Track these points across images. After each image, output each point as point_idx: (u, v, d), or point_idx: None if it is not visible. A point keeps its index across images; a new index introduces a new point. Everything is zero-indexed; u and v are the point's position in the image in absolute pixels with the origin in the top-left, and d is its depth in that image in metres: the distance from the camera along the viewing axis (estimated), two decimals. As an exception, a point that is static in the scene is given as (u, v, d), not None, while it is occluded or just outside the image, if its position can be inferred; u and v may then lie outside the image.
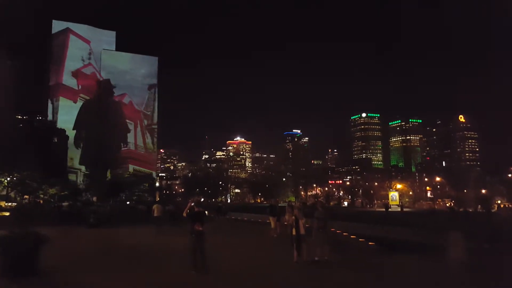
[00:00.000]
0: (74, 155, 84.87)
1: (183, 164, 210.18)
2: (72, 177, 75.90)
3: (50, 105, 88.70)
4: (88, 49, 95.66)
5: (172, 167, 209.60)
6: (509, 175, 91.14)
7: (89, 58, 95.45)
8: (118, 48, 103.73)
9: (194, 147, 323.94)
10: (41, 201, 44.10)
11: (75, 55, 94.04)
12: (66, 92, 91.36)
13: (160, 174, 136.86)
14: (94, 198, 48.24)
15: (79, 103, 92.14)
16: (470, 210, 56.84)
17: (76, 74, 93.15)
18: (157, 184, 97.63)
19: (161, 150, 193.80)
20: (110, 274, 10.23)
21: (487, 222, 13.35)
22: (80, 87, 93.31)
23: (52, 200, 47.60)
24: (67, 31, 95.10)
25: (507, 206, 73.86)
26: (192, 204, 11.48)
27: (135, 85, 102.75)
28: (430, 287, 9.34)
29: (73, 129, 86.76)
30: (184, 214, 11.14)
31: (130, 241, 17.66)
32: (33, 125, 53.17)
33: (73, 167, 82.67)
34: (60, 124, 78.93)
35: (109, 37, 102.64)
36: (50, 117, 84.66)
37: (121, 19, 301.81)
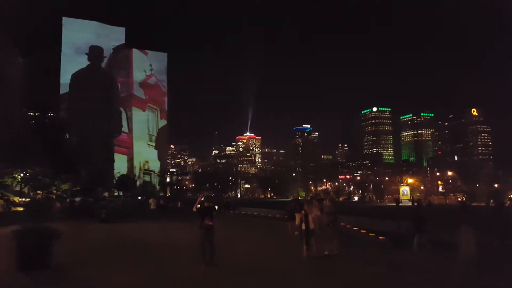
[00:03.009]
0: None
1: (193, 159, 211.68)
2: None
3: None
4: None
5: (182, 163, 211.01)
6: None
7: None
8: (127, 45, 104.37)
9: (204, 143, 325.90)
10: (54, 197, 44.88)
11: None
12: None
13: (170, 170, 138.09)
14: (106, 194, 48.94)
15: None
16: (483, 205, 55.98)
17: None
18: (168, 179, 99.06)
19: (172, 146, 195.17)
20: (120, 268, 10.39)
21: (499, 218, 13.11)
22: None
23: (64, 195, 48.42)
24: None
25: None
26: (202, 199, 11.56)
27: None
28: (441, 282, 9.24)
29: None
30: (194, 209, 11.23)
31: (140, 235, 17.91)
32: (45, 122, 54.02)
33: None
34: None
35: (118, 33, 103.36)
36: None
37: (131, 15, 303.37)
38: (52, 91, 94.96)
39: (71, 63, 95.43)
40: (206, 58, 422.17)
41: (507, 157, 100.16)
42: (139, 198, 60.54)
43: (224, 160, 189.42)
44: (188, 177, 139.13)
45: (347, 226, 20.03)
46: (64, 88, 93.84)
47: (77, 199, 33.50)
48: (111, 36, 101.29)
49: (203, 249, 10.46)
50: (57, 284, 8.83)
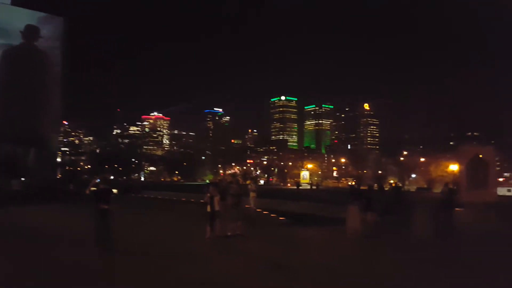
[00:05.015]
0: None
1: (91, 138, 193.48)
2: None
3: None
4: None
5: (77, 141, 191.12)
6: (401, 158, 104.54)
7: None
8: (14, 3, 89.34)
9: (104, 120, 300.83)
10: None
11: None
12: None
13: (62, 149, 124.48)
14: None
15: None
16: (366, 188, 64.14)
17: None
18: (59, 159, 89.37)
19: (64, 122, 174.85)
20: (7, 256, 9.02)
21: (380, 198, 15.21)
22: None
23: None
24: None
25: (398, 184, 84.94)
26: (97, 181, 10.74)
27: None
28: (330, 252, 10.33)
29: None
30: (87, 192, 10.45)
31: (26, 220, 15.88)
32: None
33: None
34: None
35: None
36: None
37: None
38: None
39: None
40: (109, 27, 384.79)
41: (390, 147, 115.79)
42: (23, 179, 53.50)
43: (127, 140, 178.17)
44: (83, 158, 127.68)
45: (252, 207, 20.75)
46: None
47: None
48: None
49: (98, 234, 9.81)
50: None
